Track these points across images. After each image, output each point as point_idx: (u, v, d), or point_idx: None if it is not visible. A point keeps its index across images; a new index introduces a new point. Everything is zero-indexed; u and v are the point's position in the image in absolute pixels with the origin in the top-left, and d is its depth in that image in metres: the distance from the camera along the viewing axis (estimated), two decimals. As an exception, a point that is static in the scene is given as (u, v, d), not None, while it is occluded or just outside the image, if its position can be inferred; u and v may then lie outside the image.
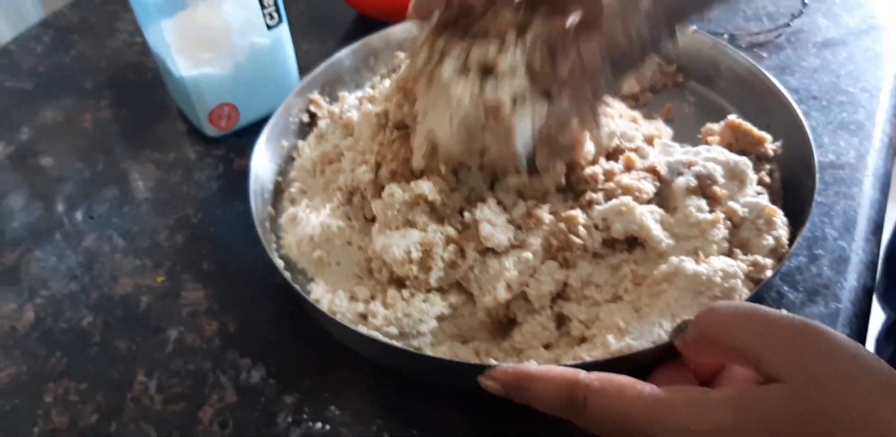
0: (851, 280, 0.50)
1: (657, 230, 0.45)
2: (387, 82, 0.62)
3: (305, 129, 0.62)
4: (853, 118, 0.60)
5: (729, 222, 0.46)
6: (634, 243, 0.47)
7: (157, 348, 0.51)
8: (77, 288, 0.55)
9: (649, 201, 0.48)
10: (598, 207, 0.46)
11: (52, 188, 0.63)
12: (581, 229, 0.46)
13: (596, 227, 0.46)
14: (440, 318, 0.47)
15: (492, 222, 0.46)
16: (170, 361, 0.50)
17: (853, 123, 0.59)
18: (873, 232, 0.53)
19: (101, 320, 0.53)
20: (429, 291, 0.47)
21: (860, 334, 0.49)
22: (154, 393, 0.48)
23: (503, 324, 0.48)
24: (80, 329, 0.53)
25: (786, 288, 0.50)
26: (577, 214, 0.46)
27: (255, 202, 0.52)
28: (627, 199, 0.46)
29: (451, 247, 0.47)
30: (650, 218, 0.45)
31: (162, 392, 0.48)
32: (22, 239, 0.59)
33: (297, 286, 0.48)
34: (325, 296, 0.49)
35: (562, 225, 0.46)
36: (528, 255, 0.45)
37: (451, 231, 0.47)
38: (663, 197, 0.49)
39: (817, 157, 0.49)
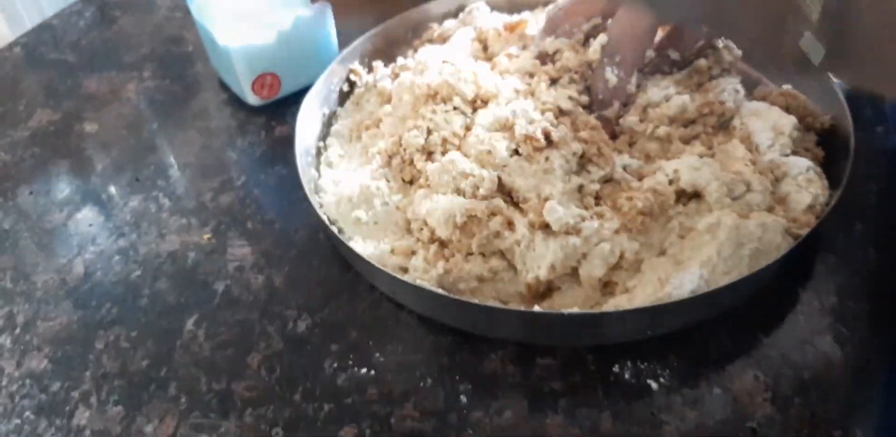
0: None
1: (717, 182, 0.46)
2: (421, 51, 0.63)
3: (344, 97, 0.63)
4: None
5: (772, 175, 0.47)
6: (690, 195, 0.48)
7: (205, 301, 0.52)
8: (125, 244, 0.57)
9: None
10: (668, 162, 0.48)
11: (98, 153, 0.65)
12: (663, 184, 0.47)
13: (670, 181, 0.48)
14: (480, 279, 0.48)
15: (560, 202, 0.48)
16: (218, 312, 0.51)
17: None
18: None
19: (150, 275, 0.54)
20: (469, 254, 0.49)
21: None
22: (203, 341, 0.50)
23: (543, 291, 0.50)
24: (129, 282, 0.54)
25: (821, 249, 0.51)
26: (659, 166, 0.48)
27: (301, 163, 0.54)
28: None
29: (499, 218, 0.48)
30: (709, 169, 0.47)
31: (210, 340, 0.50)
32: (69, 200, 0.61)
33: (343, 239, 0.49)
34: (367, 249, 0.50)
35: (649, 183, 0.47)
36: (576, 241, 0.46)
37: (501, 203, 0.48)
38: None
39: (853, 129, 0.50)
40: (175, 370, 0.48)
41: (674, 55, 0.52)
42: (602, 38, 0.50)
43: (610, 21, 0.51)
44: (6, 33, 0.79)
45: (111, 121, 0.68)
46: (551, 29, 0.54)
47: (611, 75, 0.50)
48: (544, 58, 0.54)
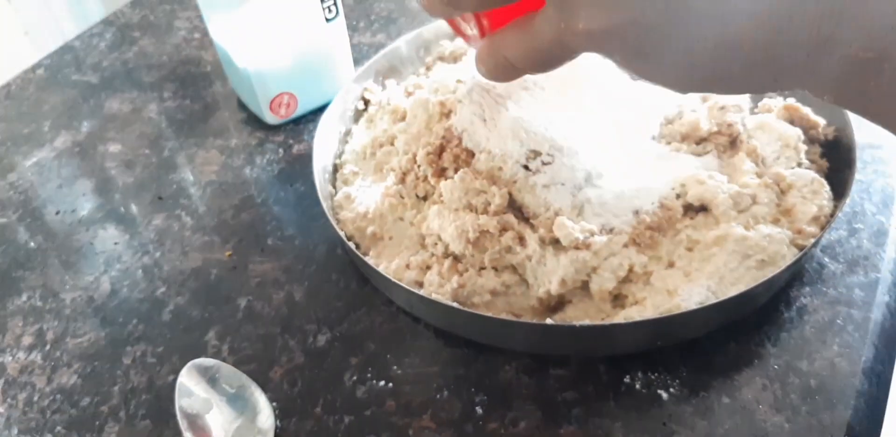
0: (890, 252, 0.52)
1: (723, 195, 0.48)
2: (435, 70, 0.65)
3: (360, 115, 0.65)
4: (889, 102, 0.62)
5: (777, 187, 0.49)
6: (697, 208, 0.50)
7: (228, 316, 0.54)
8: (150, 262, 0.59)
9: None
10: (675, 176, 0.49)
11: (122, 172, 0.67)
12: (671, 198, 0.49)
13: (677, 195, 0.49)
14: (493, 293, 0.50)
15: (569, 217, 0.49)
16: (241, 326, 0.53)
17: (889, 106, 0.62)
18: (911, 208, 0.55)
19: (174, 291, 0.56)
20: (482, 268, 0.50)
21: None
22: (227, 355, 0.51)
23: (555, 304, 0.51)
24: (154, 299, 0.56)
25: (827, 259, 0.52)
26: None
27: (318, 180, 0.56)
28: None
29: (511, 234, 0.49)
30: (717, 182, 0.48)
31: (234, 354, 0.51)
32: (94, 219, 0.63)
33: (360, 254, 0.51)
34: (383, 264, 0.52)
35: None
36: (585, 255, 0.47)
37: (512, 219, 0.50)
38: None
39: (857, 138, 0.51)
40: (200, 384, 0.50)
41: None
42: None
43: None
44: (30, 55, 0.82)
45: (133, 141, 0.70)
46: None
47: None
48: None
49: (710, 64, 0.31)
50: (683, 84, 0.34)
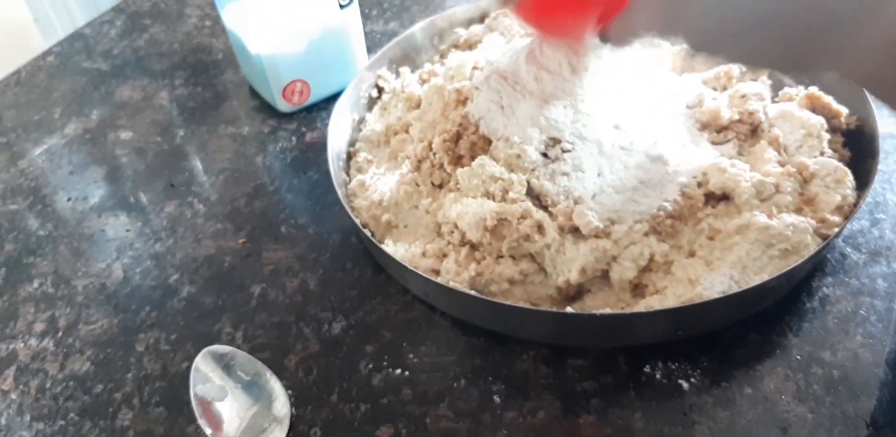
0: (913, 242, 0.51)
1: (746, 183, 0.47)
2: (450, 58, 0.65)
3: (374, 103, 0.64)
4: (911, 92, 0.61)
5: (800, 176, 0.48)
6: (719, 197, 0.49)
7: (242, 304, 0.53)
8: (162, 249, 0.58)
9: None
10: (696, 164, 0.49)
11: (133, 160, 0.66)
12: (692, 187, 0.48)
13: (699, 183, 0.49)
14: (511, 281, 0.49)
15: (588, 206, 0.48)
16: (255, 314, 0.53)
17: (911, 96, 0.61)
18: (933, 199, 0.54)
19: (187, 279, 0.56)
20: (500, 256, 0.50)
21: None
22: (241, 343, 0.51)
23: (574, 293, 0.50)
24: (167, 286, 0.55)
25: (849, 249, 0.51)
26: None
27: (333, 168, 0.55)
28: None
29: (529, 221, 0.48)
30: (739, 170, 0.48)
31: (249, 342, 0.51)
32: (106, 206, 0.62)
33: (375, 242, 0.50)
34: (398, 252, 0.51)
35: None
36: (605, 244, 0.47)
37: (530, 207, 0.49)
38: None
39: (879, 128, 0.51)
40: (214, 372, 0.49)
41: None
42: None
43: None
44: (40, 42, 0.81)
45: (145, 128, 0.70)
46: None
47: None
48: None
49: (735, 22, 0.32)
50: (697, 36, 0.34)
